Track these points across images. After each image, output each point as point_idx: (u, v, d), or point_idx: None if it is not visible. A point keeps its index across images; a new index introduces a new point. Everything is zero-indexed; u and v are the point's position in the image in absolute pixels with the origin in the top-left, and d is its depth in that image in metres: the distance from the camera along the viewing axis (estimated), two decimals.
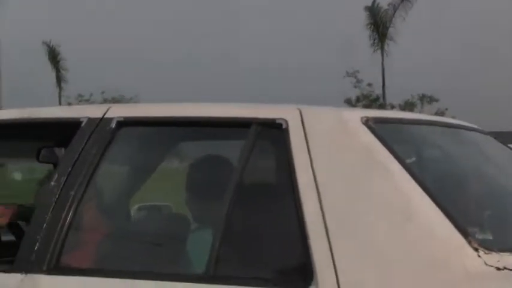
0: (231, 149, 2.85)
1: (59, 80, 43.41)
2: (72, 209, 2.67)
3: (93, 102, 33.35)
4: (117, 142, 2.79)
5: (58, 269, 2.61)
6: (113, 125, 2.78)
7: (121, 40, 51.71)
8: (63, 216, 2.65)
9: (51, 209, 2.68)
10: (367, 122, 2.52)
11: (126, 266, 2.68)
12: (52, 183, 2.73)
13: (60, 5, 58.10)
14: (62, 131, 3.11)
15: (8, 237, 3.68)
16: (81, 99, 36.58)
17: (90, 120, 2.82)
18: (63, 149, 3.31)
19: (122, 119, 2.80)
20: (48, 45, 42.89)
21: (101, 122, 2.80)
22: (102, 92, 27.97)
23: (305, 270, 2.28)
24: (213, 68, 52.85)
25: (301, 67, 48.18)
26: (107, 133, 2.77)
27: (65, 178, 2.71)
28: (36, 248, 2.63)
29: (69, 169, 2.73)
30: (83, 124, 2.83)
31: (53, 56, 43.05)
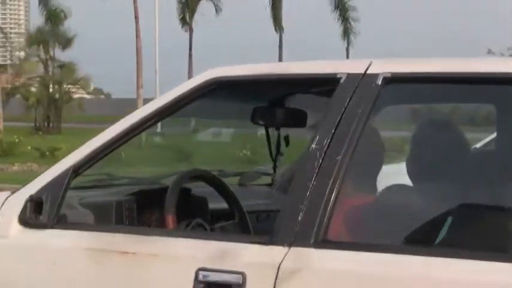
0: None
1: (347, 32, 41.73)
2: (340, 175, 2.48)
3: None
4: (384, 101, 2.64)
5: (327, 242, 2.44)
6: (379, 81, 2.58)
7: None
8: (330, 183, 2.47)
9: (314, 175, 2.49)
10: None
11: (402, 240, 2.52)
12: (313, 145, 2.55)
13: None
14: (314, 88, 3.05)
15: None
16: None
17: (350, 76, 2.64)
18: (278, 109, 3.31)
19: (389, 75, 2.59)
20: None
21: (364, 78, 2.61)
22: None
23: None
24: None
25: None
26: (372, 90, 2.58)
27: (329, 141, 2.53)
28: (299, 218, 2.46)
29: (333, 130, 2.54)
30: (341, 80, 2.64)
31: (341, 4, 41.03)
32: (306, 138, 3.30)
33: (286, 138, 3.80)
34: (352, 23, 42.28)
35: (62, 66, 37.89)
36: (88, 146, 2.99)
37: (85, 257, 2.78)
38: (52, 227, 2.87)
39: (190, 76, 34.47)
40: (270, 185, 4.18)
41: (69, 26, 39.77)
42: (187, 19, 40.88)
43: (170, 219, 3.00)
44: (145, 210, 3.36)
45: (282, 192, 3.93)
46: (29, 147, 22.36)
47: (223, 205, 3.46)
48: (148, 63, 33.75)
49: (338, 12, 41.95)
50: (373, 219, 2.75)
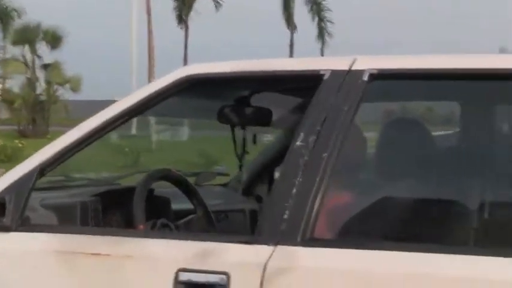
0: None
1: (322, 32, 42.17)
2: (327, 172, 2.46)
3: None
4: (370, 98, 2.63)
5: (314, 240, 2.43)
6: (365, 78, 2.57)
7: None
8: (317, 180, 2.45)
9: (300, 172, 2.47)
10: None
11: (385, 236, 2.56)
12: (298, 143, 2.52)
13: None
14: (292, 85, 3.04)
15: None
16: None
17: (334, 72, 2.62)
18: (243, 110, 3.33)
19: (375, 71, 2.58)
20: None
21: (348, 75, 2.59)
22: None
23: None
24: None
25: None
26: (358, 87, 2.56)
27: (315, 138, 2.50)
28: (286, 216, 2.43)
29: (318, 128, 2.52)
30: (325, 77, 2.62)
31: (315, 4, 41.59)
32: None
33: (254, 137, 3.82)
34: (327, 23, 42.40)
35: (47, 66, 36.51)
36: (55, 145, 2.89)
37: (55, 260, 2.68)
38: (16, 230, 2.77)
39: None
40: (225, 185, 4.21)
41: (58, 24, 38.89)
42: (183, 16, 39.89)
43: (140, 221, 2.97)
44: (110, 211, 3.32)
45: (235, 191, 4.08)
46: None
47: (186, 206, 3.46)
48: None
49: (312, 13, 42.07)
50: (358, 216, 2.73)
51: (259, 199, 4.10)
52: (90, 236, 2.74)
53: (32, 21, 36.86)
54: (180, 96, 2.98)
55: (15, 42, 36.54)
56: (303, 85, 2.81)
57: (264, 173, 4.18)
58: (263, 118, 3.43)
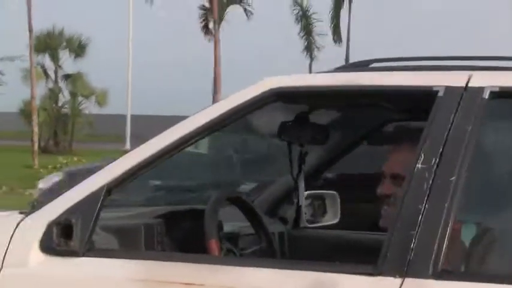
0: None
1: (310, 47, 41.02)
2: (456, 197, 2.35)
3: None
4: (492, 117, 2.53)
5: (447, 272, 2.31)
6: (485, 95, 2.46)
7: None
8: (446, 206, 2.33)
9: (425, 197, 2.35)
10: None
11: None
12: (419, 165, 2.40)
13: None
14: (401, 102, 2.92)
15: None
16: None
17: (449, 89, 2.50)
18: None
19: (497, 89, 2.47)
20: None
21: (466, 92, 2.48)
22: None
23: None
24: None
25: None
26: (478, 106, 2.45)
27: (437, 160, 2.39)
28: (412, 246, 2.31)
29: (441, 149, 2.40)
30: (439, 94, 2.50)
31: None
32: None
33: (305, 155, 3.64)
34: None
35: (68, 77, 35.12)
36: (124, 161, 2.73)
37: None
38: (84, 255, 2.61)
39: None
40: None
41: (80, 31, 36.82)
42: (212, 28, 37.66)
43: (214, 246, 2.83)
44: (175, 234, 3.16)
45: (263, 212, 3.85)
46: None
47: (232, 228, 3.34)
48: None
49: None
50: (492, 246, 2.59)
51: (284, 221, 3.92)
52: (177, 263, 2.56)
53: (55, 27, 35.52)
54: (261, 112, 2.82)
55: (38, 50, 34.12)
56: (410, 101, 2.73)
57: (289, 194, 3.95)
58: (320, 136, 3.28)
